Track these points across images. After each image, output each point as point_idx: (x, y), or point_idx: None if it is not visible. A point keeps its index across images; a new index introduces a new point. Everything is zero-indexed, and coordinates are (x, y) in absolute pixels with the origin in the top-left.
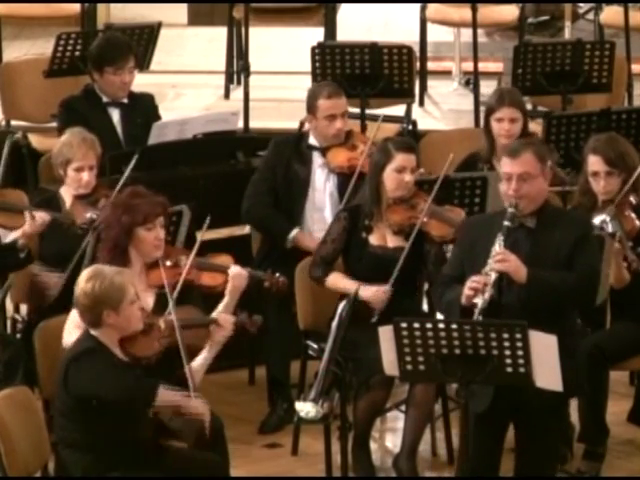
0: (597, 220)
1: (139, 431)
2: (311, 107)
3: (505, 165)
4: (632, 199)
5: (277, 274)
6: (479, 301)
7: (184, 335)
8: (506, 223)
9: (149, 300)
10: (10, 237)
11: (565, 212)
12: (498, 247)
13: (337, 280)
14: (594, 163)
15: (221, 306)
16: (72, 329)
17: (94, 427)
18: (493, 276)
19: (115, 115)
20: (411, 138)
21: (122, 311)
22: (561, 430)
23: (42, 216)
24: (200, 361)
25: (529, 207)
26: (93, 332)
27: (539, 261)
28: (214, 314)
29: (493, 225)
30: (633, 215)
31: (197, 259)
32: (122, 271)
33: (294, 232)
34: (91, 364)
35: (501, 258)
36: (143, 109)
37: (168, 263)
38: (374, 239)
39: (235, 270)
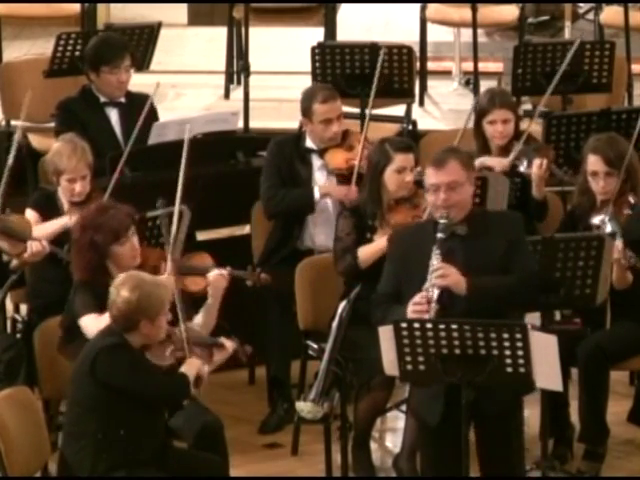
0: (596, 220)
1: (155, 429)
2: (306, 111)
3: (431, 176)
4: (630, 199)
5: (258, 270)
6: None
7: (192, 351)
8: (440, 235)
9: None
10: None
11: (493, 214)
12: (436, 261)
13: (367, 250)
14: (593, 163)
15: (204, 308)
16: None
17: (112, 415)
18: (435, 292)
19: (113, 115)
20: (408, 137)
21: (157, 322)
22: (519, 430)
23: (42, 247)
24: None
25: (459, 215)
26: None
27: (475, 267)
28: (198, 317)
29: (422, 236)
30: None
31: (177, 263)
32: (163, 283)
33: (316, 190)
34: (125, 357)
35: (441, 273)
36: (141, 110)
37: (147, 270)
38: (379, 239)
39: (213, 274)
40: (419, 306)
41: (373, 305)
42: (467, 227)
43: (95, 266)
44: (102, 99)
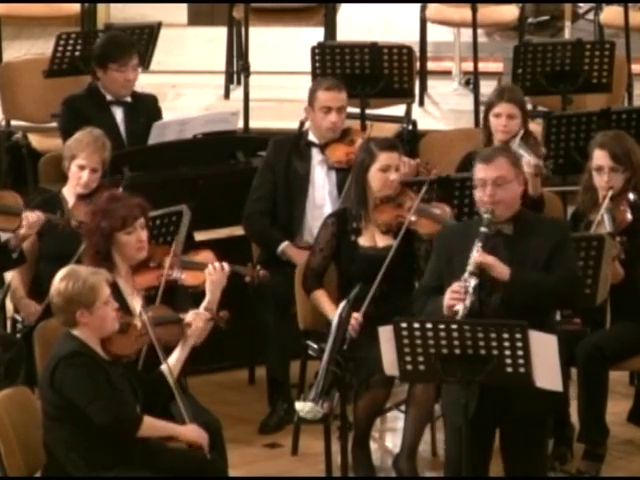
0: (597, 215)
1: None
2: (311, 99)
3: (479, 170)
4: (630, 195)
5: (257, 267)
6: (460, 308)
7: (159, 332)
8: (483, 229)
9: (137, 303)
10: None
11: (542, 218)
12: (476, 253)
13: (319, 300)
14: (600, 157)
15: (204, 303)
16: None
17: (81, 423)
18: (473, 282)
19: (118, 114)
20: (408, 138)
21: (95, 311)
22: (546, 438)
23: (37, 216)
24: (175, 357)
25: (505, 213)
26: (75, 332)
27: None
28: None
29: (469, 234)
30: (627, 209)
31: (179, 258)
32: (97, 271)
33: (282, 246)
34: (78, 369)
35: (481, 260)
36: (146, 109)
37: (152, 264)
38: (364, 240)
39: (210, 267)
40: (456, 294)
41: (415, 296)
42: (513, 227)
43: (101, 253)
44: (108, 97)
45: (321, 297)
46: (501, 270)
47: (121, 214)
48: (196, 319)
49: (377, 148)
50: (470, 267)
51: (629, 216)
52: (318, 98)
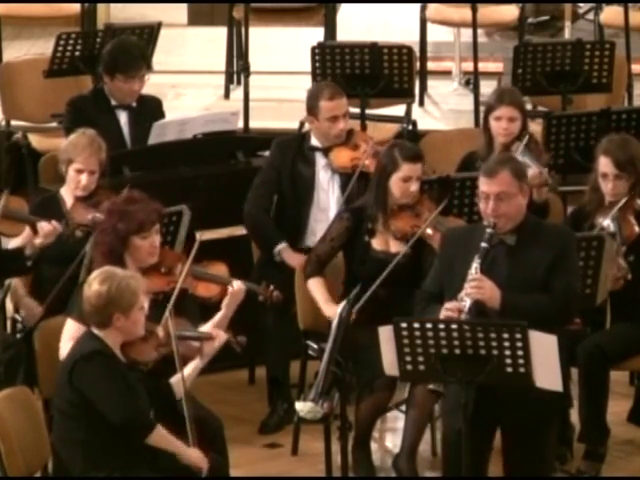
0: (602, 222)
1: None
2: (312, 109)
3: (482, 184)
4: (639, 201)
5: (271, 287)
6: None
7: (179, 345)
8: (483, 245)
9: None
10: (13, 243)
11: (546, 225)
12: (474, 271)
13: (315, 287)
14: (604, 164)
15: (217, 318)
16: (67, 341)
17: (96, 423)
18: (468, 302)
19: (122, 118)
20: (408, 138)
21: (131, 315)
22: (550, 444)
23: (54, 227)
24: (189, 370)
25: (507, 225)
26: (97, 332)
27: (517, 279)
28: (208, 324)
29: (473, 239)
30: (634, 220)
31: (193, 267)
32: (135, 276)
33: (280, 246)
34: (99, 369)
35: (476, 285)
36: (151, 113)
37: (163, 269)
38: (377, 243)
39: (236, 286)
40: (450, 313)
41: (416, 301)
42: (516, 237)
43: (113, 253)
44: (113, 102)
45: (317, 284)
46: (492, 302)
47: (139, 218)
48: (218, 340)
49: (401, 158)
50: (467, 286)
51: (637, 229)
52: (323, 108)
